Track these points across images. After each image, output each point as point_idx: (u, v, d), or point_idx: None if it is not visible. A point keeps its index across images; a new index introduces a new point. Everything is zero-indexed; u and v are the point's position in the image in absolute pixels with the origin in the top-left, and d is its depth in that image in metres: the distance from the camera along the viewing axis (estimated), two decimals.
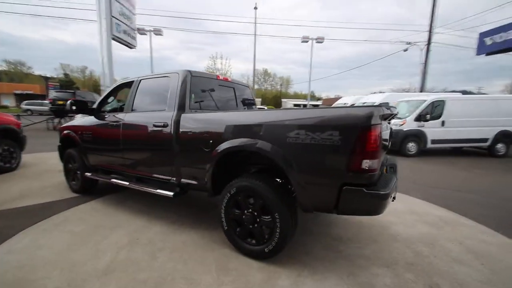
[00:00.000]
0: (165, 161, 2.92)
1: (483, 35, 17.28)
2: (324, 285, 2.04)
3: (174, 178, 2.88)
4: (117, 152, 3.38)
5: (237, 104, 3.71)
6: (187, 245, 2.62)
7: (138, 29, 17.92)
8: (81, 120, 4.08)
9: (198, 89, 3.06)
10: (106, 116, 3.68)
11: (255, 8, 22.39)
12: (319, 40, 19.91)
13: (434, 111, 8.33)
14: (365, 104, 11.72)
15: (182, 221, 3.17)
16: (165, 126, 2.83)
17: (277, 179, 2.46)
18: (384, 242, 2.80)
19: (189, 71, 2.96)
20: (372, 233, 2.98)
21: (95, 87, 33.99)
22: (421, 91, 19.05)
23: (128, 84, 3.64)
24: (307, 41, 20.08)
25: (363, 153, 1.78)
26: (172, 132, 2.76)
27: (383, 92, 15.97)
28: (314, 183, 2.00)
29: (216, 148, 2.43)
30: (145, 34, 18.75)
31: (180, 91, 2.87)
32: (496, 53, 17.02)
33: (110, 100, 4.00)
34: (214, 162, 2.47)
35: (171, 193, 2.81)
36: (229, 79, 3.66)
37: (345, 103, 14.87)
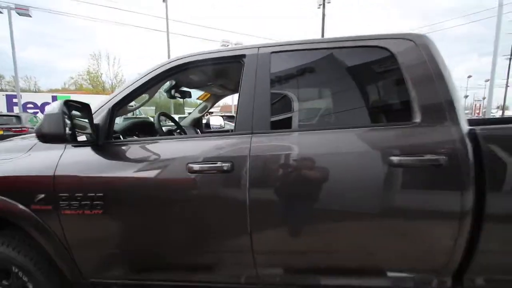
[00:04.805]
0: (431, 235, 1.27)
1: None
2: None
3: (446, 277, 1.28)
4: (242, 232, 1.33)
5: None
6: None
7: None
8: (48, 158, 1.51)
9: None
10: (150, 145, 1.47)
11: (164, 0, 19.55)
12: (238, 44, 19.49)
13: None
14: None
15: None
16: (438, 161, 1.20)
17: None
18: None
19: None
20: None
21: None
22: None
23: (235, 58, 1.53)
24: (227, 46, 19.20)
25: None
26: (468, 171, 1.19)
27: None
28: None
29: None
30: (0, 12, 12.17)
31: (439, 76, 1.31)
32: None
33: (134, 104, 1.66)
34: None
35: None
36: None
37: None
